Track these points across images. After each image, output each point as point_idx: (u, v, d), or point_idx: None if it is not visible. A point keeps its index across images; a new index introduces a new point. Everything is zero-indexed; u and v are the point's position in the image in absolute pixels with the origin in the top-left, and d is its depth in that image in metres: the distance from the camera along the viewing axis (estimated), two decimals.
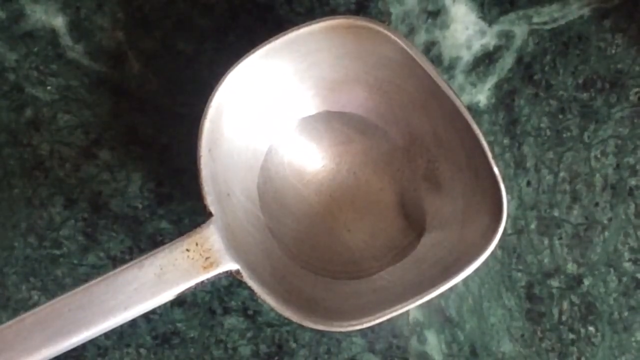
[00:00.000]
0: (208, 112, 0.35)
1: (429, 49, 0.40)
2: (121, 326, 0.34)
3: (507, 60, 0.40)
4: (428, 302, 0.35)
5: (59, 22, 0.39)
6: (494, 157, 0.35)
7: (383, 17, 0.40)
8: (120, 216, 0.39)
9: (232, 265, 0.34)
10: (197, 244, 0.34)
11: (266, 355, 0.38)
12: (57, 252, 0.39)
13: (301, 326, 0.35)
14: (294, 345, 0.38)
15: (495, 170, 0.35)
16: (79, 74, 0.39)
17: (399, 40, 0.35)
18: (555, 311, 0.39)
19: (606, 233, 0.39)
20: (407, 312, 0.38)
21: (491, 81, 0.40)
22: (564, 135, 0.39)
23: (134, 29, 0.40)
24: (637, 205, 0.39)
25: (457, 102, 0.35)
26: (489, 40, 0.40)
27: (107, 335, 0.34)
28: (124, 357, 0.38)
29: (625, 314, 0.38)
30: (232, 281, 0.35)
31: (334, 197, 0.39)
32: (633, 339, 0.38)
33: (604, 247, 0.39)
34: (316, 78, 0.38)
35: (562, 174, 0.39)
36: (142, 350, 0.38)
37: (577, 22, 0.40)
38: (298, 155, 0.39)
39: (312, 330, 0.35)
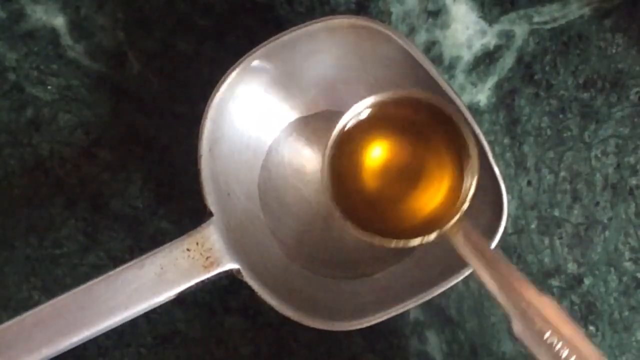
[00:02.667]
0: (209, 111, 0.35)
1: (430, 48, 0.40)
2: (122, 326, 0.34)
3: (508, 60, 0.40)
4: (428, 301, 0.35)
5: (59, 21, 0.39)
6: (495, 156, 0.35)
7: (383, 17, 0.40)
8: (121, 216, 0.39)
9: (232, 265, 0.34)
10: (197, 244, 0.34)
11: (267, 355, 0.38)
12: (58, 251, 0.38)
13: (301, 326, 0.35)
14: (294, 345, 0.38)
15: (496, 169, 0.35)
16: (79, 73, 0.39)
17: (399, 40, 0.35)
18: None
19: (607, 233, 0.39)
20: (407, 311, 0.38)
21: (492, 81, 0.40)
22: (565, 134, 0.39)
23: (134, 29, 0.40)
24: (637, 205, 0.39)
25: (458, 102, 0.35)
26: (490, 39, 0.40)
27: (107, 334, 0.34)
28: (125, 357, 0.38)
29: (626, 313, 0.38)
30: (233, 281, 0.35)
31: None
32: (633, 339, 0.38)
33: (604, 246, 0.39)
34: (316, 78, 0.38)
35: (562, 174, 0.39)
36: (142, 350, 0.38)
37: (577, 21, 0.40)
38: (298, 154, 0.39)
39: (312, 330, 0.35)
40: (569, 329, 0.31)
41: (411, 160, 0.35)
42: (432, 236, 0.33)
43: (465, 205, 0.33)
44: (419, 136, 0.35)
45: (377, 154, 0.35)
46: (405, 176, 0.35)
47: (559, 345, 0.31)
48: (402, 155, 0.35)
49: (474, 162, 0.33)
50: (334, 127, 0.34)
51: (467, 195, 0.33)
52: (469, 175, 0.33)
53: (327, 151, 0.34)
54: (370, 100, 0.34)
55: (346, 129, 0.34)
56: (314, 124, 0.39)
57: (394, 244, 0.34)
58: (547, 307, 0.31)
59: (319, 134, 0.39)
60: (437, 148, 0.35)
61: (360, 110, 0.34)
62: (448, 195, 0.34)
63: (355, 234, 0.34)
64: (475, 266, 0.33)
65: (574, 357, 0.30)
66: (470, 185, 0.33)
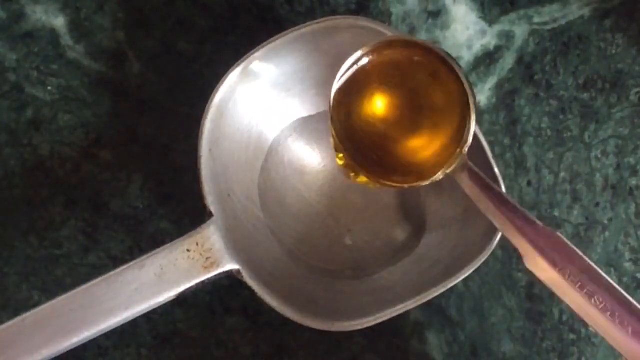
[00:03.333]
0: (209, 112, 0.35)
1: None
2: (122, 326, 0.34)
3: (508, 61, 0.40)
4: (428, 302, 0.35)
5: (59, 22, 0.39)
6: (495, 157, 0.35)
7: (384, 17, 0.40)
8: (121, 216, 0.39)
9: (232, 265, 0.34)
10: (197, 244, 0.34)
11: (267, 355, 0.38)
12: (58, 252, 0.38)
13: (301, 326, 0.35)
14: (294, 345, 0.38)
15: (496, 170, 0.35)
16: (80, 74, 0.39)
17: None
18: (556, 311, 0.39)
19: (607, 233, 0.39)
20: (408, 312, 0.38)
21: (492, 81, 0.40)
22: (565, 135, 0.39)
23: (134, 29, 0.40)
24: (637, 205, 0.39)
25: None
26: (490, 40, 0.40)
27: (107, 335, 0.34)
28: (125, 357, 0.38)
29: None
30: (233, 281, 0.35)
31: (334, 197, 0.39)
32: None
33: (604, 247, 0.39)
34: (317, 78, 0.38)
35: (562, 174, 0.39)
36: (142, 350, 0.38)
37: (577, 22, 0.40)
38: (299, 155, 0.39)
39: (312, 330, 0.35)
40: (576, 259, 0.32)
41: (412, 105, 0.35)
42: (439, 175, 0.34)
43: (468, 143, 0.33)
44: (418, 81, 0.35)
45: (379, 100, 0.35)
46: (408, 120, 0.35)
47: (569, 276, 0.31)
48: (402, 100, 0.35)
49: (471, 101, 0.33)
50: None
51: (468, 134, 0.33)
52: (468, 114, 0.33)
53: (331, 102, 0.34)
54: (366, 48, 0.34)
55: (347, 77, 0.34)
56: (314, 124, 0.39)
57: (407, 185, 0.34)
58: (553, 241, 0.32)
59: (319, 135, 0.39)
60: (437, 92, 0.35)
61: (358, 57, 0.34)
62: (452, 138, 0.34)
63: (365, 183, 0.35)
64: (481, 205, 0.33)
65: (588, 287, 0.31)
66: (470, 124, 0.33)
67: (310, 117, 0.39)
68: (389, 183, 0.34)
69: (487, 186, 0.33)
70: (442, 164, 0.34)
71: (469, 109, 0.33)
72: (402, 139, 0.35)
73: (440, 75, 0.34)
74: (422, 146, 0.35)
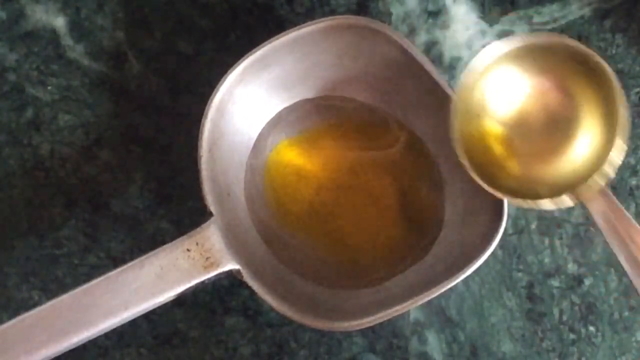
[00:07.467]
0: (209, 112, 0.35)
1: (430, 49, 0.40)
2: (122, 326, 0.34)
3: None
4: (428, 302, 0.35)
5: (59, 22, 0.39)
6: None
7: (383, 17, 0.40)
8: (121, 216, 0.39)
9: (232, 265, 0.34)
10: (197, 244, 0.34)
11: (267, 355, 0.38)
12: (58, 252, 0.38)
13: (301, 326, 0.35)
14: (294, 345, 0.38)
15: None
16: (80, 74, 0.39)
17: (399, 41, 0.36)
18: (556, 311, 0.39)
19: None
20: (408, 312, 0.38)
21: None
22: None
23: (134, 29, 0.40)
24: (637, 205, 0.39)
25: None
26: (490, 40, 0.40)
27: (107, 335, 0.34)
28: (125, 357, 0.38)
29: (626, 314, 0.38)
30: (233, 281, 0.35)
31: (335, 196, 0.39)
32: (633, 339, 0.38)
33: (604, 247, 0.39)
34: (317, 78, 0.38)
35: None
36: (142, 350, 0.38)
37: (577, 22, 0.40)
38: (299, 155, 0.39)
39: (312, 330, 0.35)
40: None
41: (550, 112, 0.31)
42: (568, 202, 0.29)
43: (610, 170, 0.29)
44: (555, 87, 0.31)
45: (510, 104, 0.31)
46: (546, 130, 0.31)
47: None
48: (539, 107, 0.31)
49: (622, 120, 0.29)
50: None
51: (615, 158, 0.28)
52: (617, 133, 0.28)
53: (453, 106, 0.31)
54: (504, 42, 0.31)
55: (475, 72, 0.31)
56: (314, 124, 0.39)
57: (524, 203, 0.30)
58: None
59: (319, 134, 0.39)
60: (578, 101, 0.30)
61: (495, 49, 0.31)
62: (588, 156, 0.30)
63: (484, 187, 0.32)
64: (611, 239, 0.29)
65: None
66: (619, 145, 0.28)
67: (310, 117, 0.39)
68: (506, 199, 0.31)
69: (626, 220, 0.29)
70: (566, 185, 0.29)
71: (617, 125, 0.29)
72: (530, 154, 0.31)
73: (584, 83, 0.30)
74: (551, 165, 0.31)
